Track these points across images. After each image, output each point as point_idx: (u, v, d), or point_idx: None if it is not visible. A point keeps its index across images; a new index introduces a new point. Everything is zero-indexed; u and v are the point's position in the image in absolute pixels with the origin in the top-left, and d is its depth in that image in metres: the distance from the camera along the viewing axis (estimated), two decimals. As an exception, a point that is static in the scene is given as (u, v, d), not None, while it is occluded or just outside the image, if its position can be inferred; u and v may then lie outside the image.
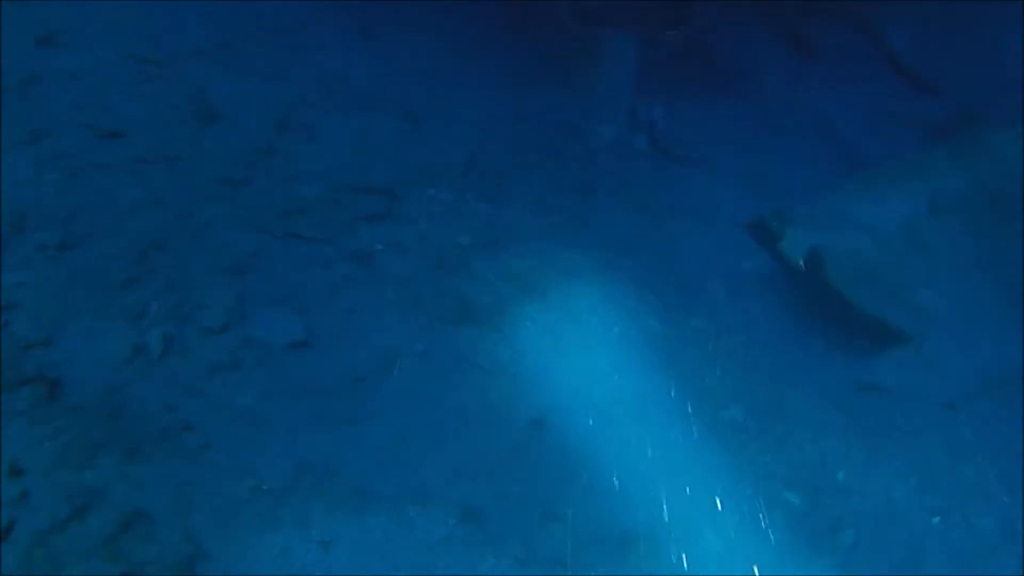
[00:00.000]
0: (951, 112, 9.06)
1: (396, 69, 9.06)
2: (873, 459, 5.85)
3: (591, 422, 5.78)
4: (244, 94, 8.31)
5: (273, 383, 5.75)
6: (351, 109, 8.47)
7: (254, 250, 6.78)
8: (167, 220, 6.74)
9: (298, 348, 6.07)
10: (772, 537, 5.28)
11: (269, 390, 5.70)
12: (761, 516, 5.30)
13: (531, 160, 8.38)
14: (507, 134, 8.64)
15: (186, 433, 5.29)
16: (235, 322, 6.10)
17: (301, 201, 7.34)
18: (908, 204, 6.72)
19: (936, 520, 5.43)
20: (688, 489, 5.45)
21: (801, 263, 6.54)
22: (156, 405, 5.43)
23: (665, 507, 5.31)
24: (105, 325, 5.80)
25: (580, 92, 9.17)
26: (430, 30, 9.39)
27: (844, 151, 8.91)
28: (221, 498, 4.94)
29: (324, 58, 8.94)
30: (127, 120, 7.58)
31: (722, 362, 6.37)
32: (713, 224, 8.06)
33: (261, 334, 6.07)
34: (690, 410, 5.95)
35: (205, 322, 6.06)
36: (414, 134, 8.40)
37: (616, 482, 5.41)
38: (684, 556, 5.09)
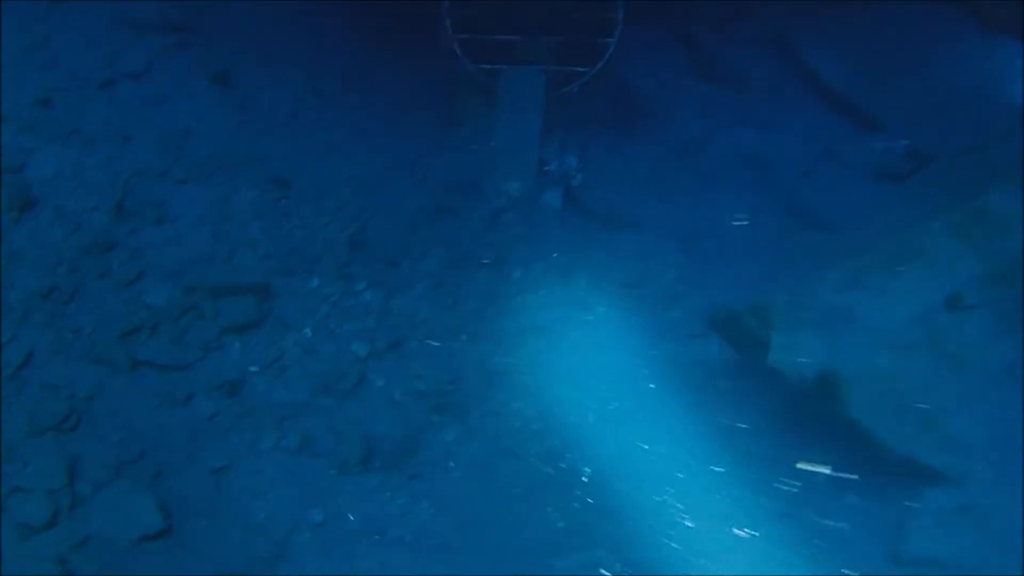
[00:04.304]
0: (895, 149, 7.93)
1: (258, 122, 7.44)
2: None
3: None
4: (70, 168, 6.64)
5: (122, 602, 4.19)
6: (206, 177, 6.93)
7: (89, 391, 5.28)
8: (-30, 359, 5.10)
9: (154, 540, 4.54)
10: None
11: (117, 613, 4.13)
12: None
13: (426, 230, 6.97)
14: (395, 197, 7.16)
15: None
16: (66, 511, 4.53)
17: (148, 313, 5.81)
18: (921, 298, 5.53)
19: None
20: None
21: (803, 384, 5.27)
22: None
23: None
24: None
25: (478, 141, 7.72)
26: (295, 72, 7.83)
27: (782, 199, 7.76)
28: None
29: (170, 113, 7.27)
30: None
31: (694, 518, 5.06)
32: (649, 300, 6.80)
33: (102, 527, 4.52)
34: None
35: (25, 514, 4.47)
36: (285, 205, 6.85)
37: None
38: None
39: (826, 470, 5.26)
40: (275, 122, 7.51)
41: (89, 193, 6.53)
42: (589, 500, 5.23)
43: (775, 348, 5.40)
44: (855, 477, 5.22)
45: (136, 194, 6.66)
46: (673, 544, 5.03)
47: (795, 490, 5.23)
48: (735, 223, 7.38)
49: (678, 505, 5.27)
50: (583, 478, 5.36)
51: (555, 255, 6.99)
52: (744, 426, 5.63)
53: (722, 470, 5.38)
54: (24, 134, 6.81)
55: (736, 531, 5.14)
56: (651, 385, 6.10)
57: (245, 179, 7.01)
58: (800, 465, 5.26)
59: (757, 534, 5.11)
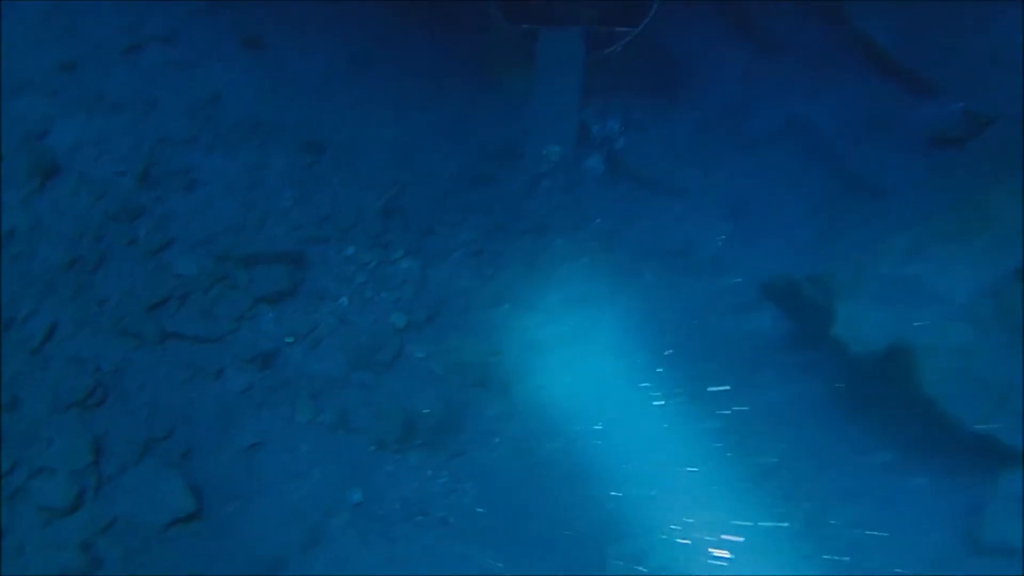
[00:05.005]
0: (952, 113, 7.52)
1: (289, 86, 7.16)
2: None
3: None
4: (95, 134, 6.39)
5: (150, 588, 3.96)
6: (236, 143, 6.65)
7: (115, 365, 5.04)
8: (-9, 332, 4.89)
9: (184, 523, 4.29)
10: None
11: (145, 600, 3.90)
12: None
13: (464, 196, 6.67)
14: (432, 162, 6.86)
15: None
16: (91, 492, 4.30)
17: (177, 283, 5.57)
18: (991, 268, 5.18)
19: None
20: None
21: (871, 358, 4.94)
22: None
23: None
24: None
25: (517, 105, 7.41)
26: (328, 34, 7.53)
27: (832, 166, 7.36)
28: None
29: (198, 78, 7.01)
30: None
31: (751, 499, 4.74)
32: (697, 269, 6.44)
33: (129, 509, 4.28)
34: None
35: (48, 496, 4.23)
36: (317, 171, 6.58)
37: None
38: None
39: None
40: (307, 86, 7.24)
41: (114, 160, 6.32)
42: (639, 481, 4.93)
43: (840, 320, 5.07)
44: (925, 457, 4.88)
45: (163, 161, 6.44)
46: (729, 529, 4.73)
47: (861, 471, 4.90)
48: (784, 189, 7.02)
49: (734, 487, 4.97)
50: (631, 458, 5.07)
51: (598, 221, 6.70)
52: (803, 402, 5.30)
53: (780, 448, 5.05)
54: (47, 100, 6.59)
55: (796, 514, 4.83)
56: (702, 358, 5.77)
57: (276, 145, 6.76)
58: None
59: (819, 518, 4.80)
